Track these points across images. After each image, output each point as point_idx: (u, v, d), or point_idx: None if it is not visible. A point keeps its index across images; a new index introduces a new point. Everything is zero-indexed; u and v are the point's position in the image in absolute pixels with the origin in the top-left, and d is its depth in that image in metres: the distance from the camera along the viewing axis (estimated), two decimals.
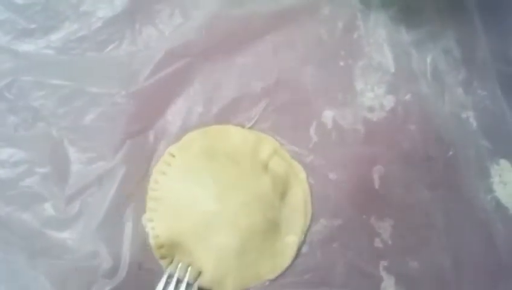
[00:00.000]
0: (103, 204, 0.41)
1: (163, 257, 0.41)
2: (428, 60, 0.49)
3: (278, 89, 0.47)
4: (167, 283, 0.39)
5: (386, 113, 0.47)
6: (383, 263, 0.42)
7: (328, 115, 0.46)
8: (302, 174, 0.44)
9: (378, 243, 0.42)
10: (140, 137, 0.44)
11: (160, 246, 0.41)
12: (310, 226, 0.43)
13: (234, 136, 0.45)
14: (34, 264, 0.38)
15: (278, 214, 0.42)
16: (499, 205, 0.45)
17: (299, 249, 0.42)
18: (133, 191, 0.42)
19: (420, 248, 0.43)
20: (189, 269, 0.40)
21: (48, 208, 0.40)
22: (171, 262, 0.40)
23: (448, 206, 0.44)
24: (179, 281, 0.39)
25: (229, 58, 0.48)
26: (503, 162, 0.46)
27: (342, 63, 0.49)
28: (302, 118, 0.46)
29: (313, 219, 0.43)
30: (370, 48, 0.49)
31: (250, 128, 0.46)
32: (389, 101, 0.47)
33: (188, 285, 0.39)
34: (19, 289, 0.37)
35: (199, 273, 0.40)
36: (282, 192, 0.43)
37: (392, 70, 0.49)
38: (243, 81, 0.47)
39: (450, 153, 0.46)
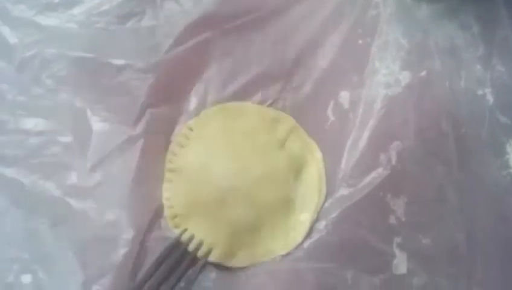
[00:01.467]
0: (124, 174, 0.38)
1: (176, 227, 0.39)
2: (446, 36, 0.45)
3: (296, 69, 0.44)
4: (175, 250, 0.37)
5: (401, 88, 0.43)
6: (397, 240, 0.39)
7: (345, 96, 0.43)
8: (318, 153, 0.41)
9: (392, 220, 0.39)
10: (160, 109, 0.41)
11: (174, 216, 0.39)
12: (323, 204, 0.40)
13: (252, 113, 0.42)
14: (56, 232, 0.36)
15: (293, 192, 0.40)
16: None
17: (312, 226, 0.39)
18: (154, 161, 0.40)
19: (433, 224, 0.39)
20: (199, 243, 0.38)
21: (71, 177, 0.38)
22: (185, 232, 0.38)
23: (462, 182, 0.41)
24: (186, 252, 0.37)
25: (248, 34, 0.44)
26: None
27: (360, 41, 0.45)
28: (319, 98, 0.43)
29: (327, 197, 0.40)
30: (387, 25, 0.45)
31: (268, 106, 0.43)
32: (405, 77, 0.44)
33: (194, 258, 0.37)
34: (42, 256, 0.36)
35: (210, 251, 0.38)
36: (297, 170, 0.40)
37: (408, 46, 0.45)
38: (261, 59, 0.44)
39: (465, 129, 0.42)
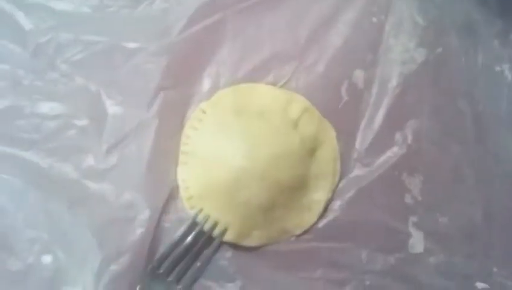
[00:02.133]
0: (140, 156, 0.38)
1: (192, 207, 0.38)
2: (462, 11, 0.43)
3: (309, 48, 0.42)
4: (191, 230, 0.37)
5: (417, 66, 0.42)
6: (412, 219, 0.38)
7: (359, 74, 0.41)
8: (332, 133, 0.40)
9: (408, 199, 0.38)
10: (173, 91, 0.40)
11: (190, 197, 0.38)
12: (338, 184, 0.39)
13: (265, 94, 0.41)
14: (74, 213, 0.36)
15: (307, 171, 0.39)
16: None
17: (327, 206, 0.38)
18: (168, 144, 0.39)
19: (450, 202, 0.38)
20: (215, 223, 0.37)
21: (87, 160, 0.38)
22: (200, 212, 0.38)
23: (478, 160, 0.40)
24: (202, 232, 0.37)
25: (261, 14, 0.43)
26: None
27: (374, 19, 0.43)
28: (333, 77, 0.41)
29: (342, 177, 0.39)
30: (402, 1, 0.43)
31: (281, 87, 0.41)
32: (420, 54, 0.42)
33: (210, 238, 0.37)
34: (61, 237, 0.36)
35: (225, 230, 0.37)
36: (311, 150, 0.39)
37: (423, 23, 0.43)
38: (274, 39, 0.42)
39: (482, 106, 0.41)
